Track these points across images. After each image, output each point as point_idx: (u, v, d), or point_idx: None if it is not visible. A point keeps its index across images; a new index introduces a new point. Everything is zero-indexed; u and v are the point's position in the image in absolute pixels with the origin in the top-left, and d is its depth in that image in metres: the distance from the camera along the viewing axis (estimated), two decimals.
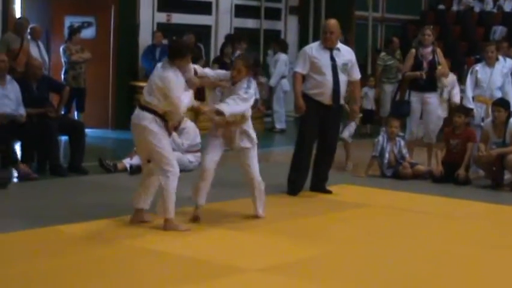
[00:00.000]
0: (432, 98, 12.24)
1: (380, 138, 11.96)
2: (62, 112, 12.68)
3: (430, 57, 12.15)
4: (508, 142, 11.20)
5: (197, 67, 8.69)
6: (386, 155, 11.80)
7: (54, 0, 16.46)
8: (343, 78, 10.04)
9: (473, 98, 12.39)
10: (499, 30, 20.09)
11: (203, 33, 18.20)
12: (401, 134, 12.37)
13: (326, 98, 10.00)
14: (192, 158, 11.95)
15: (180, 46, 8.51)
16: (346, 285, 6.67)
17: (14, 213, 8.80)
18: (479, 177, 11.74)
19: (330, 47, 10.03)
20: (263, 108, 17.38)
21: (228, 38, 17.78)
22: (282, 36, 19.62)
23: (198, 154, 12.00)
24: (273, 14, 20.01)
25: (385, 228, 8.90)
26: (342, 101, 10.23)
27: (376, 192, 10.87)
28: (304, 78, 10.12)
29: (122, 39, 17.11)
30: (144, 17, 17.36)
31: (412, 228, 8.92)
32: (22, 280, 6.43)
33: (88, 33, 16.76)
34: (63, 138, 12.28)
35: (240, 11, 19.21)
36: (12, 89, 11.22)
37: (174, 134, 11.75)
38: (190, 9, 18.21)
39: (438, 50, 12.29)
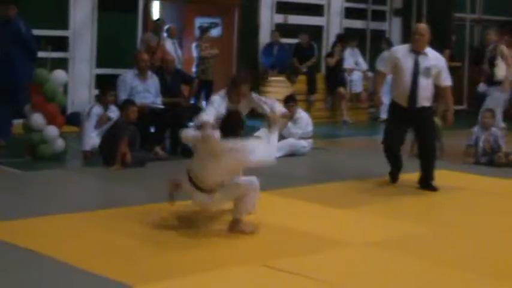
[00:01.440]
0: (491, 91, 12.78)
1: (475, 128, 11.74)
2: (192, 101, 12.87)
3: (490, 55, 12.84)
4: None
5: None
6: (481, 144, 11.57)
7: (186, 4, 16.69)
8: (424, 83, 9.19)
9: None
10: None
11: (316, 32, 18.16)
12: (502, 125, 12.14)
13: (403, 100, 9.27)
14: (305, 143, 12.00)
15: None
16: (449, 262, 6.46)
17: (149, 188, 8.94)
18: None
19: (417, 50, 9.24)
20: (366, 99, 17.32)
21: (339, 37, 17.73)
22: (387, 36, 19.42)
23: (310, 140, 12.08)
24: (379, 16, 19.83)
25: (484, 211, 8.55)
26: (424, 104, 9.24)
27: (472, 177, 10.53)
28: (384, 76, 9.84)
29: (244, 38, 17.22)
30: (263, 18, 17.43)
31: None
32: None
33: (215, 32, 16.95)
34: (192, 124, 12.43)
35: (349, 13, 19.10)
36: (153, 83, 11.52)
37: (289, 123, 11.84)
38: (305, 11, 18.19)
39: (499, 48, 12.72)
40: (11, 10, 11.45)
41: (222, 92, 8.41)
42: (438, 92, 9.62)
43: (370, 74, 17.63)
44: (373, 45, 19.14)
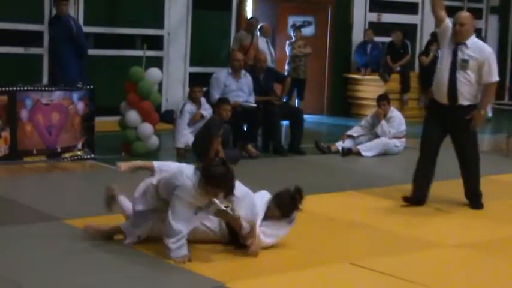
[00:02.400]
0: None
1: None
2: (284, 100, 12.88)
3: None
4: None
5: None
6: None
7: (279, 3, 16.70)
8: (463, 77, 7.96)
9: None
10: None
11: (409, 31, 17.96)
12: None
13: (442, 97, 8.08)
14: (398, 143, 11.89)
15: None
16: None
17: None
18: None
19: (457, 41, 8.00)
20: None
21: (434, 35, 17.47)
22: (483, 34, 19.06)
23: (403, 140, 11.96)
24: (475, 13, 19.47)
25: None
26: (465, 102, 8.00)
27: None
28: None
29: (337, 36, 17.17)
30: (357, 16, 17.34)
31: None
32: None
33: (308, 31, 16.91)
34: (285, 123, 12.43)
35: (446, 11, 18.78)
36: (246, 82, 11.55)
37: (383, 121, 11.74)
38: (398, 9, 18.02)
39: None
40: (62, 7, 11.62)
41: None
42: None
43: None
44: None
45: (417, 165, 8.32)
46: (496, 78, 8.05)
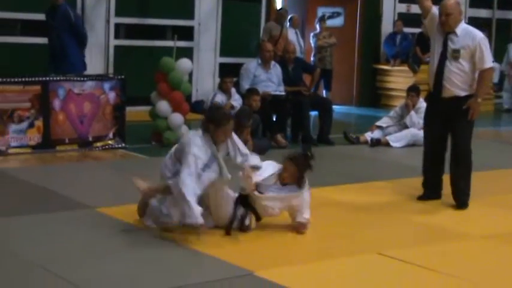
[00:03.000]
0: None
1: None
2: (312, 90, 12.89)
3: None
4: None
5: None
6: None
7: None
8: (453, 66, 7.52)
9: None
10: None
11: None
12: None
13: (432, 86, 7.76)
14: None
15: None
16: None
17: None
18: None
19: (446, 31, 7.56)
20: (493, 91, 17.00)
21: None
22: None
23: None
24: (505, 4, 19.34)
25: None
26: (457, 93, 7.54)
27: None
28: None
29: (366, 27, 17.14)
30: (386, 7, 17.29)
31: None
32: None
33: (337, 21, 16.91)
34: (313, 113, 12.43)
35: (474, 1, 18.71)
36: (275, 73, 11.60)
37: (412, 112, 11.71)
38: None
39: None
40: None
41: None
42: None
43: (495, 65, 17.25)
44: (499, 35, 18.68)
45: (423, 162, 7.99)
46: (489, 64, 7.61)
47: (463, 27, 7.64)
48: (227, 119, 6.45)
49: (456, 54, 7.55)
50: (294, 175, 6.50)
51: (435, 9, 7.70)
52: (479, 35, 7.63)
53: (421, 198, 7.95)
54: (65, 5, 11.26)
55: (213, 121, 6.38)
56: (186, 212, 6.02)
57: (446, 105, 7.63)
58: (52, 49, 11.29)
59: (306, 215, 6.53)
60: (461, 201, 7.73)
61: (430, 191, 7.94)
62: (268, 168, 6.64)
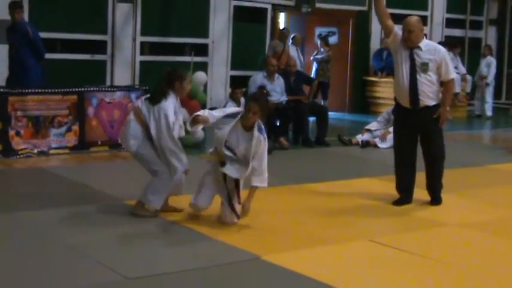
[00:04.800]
0: None
1: None
2: (311, 99, 12.87)
3: None
4: None
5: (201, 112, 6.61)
6: None
7: (308, 16, 16.66)
8: (425, 79, 7.17)
9: None
10: None
11: None
12: None
13: (405, 101, 7.27)
14: None
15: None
16: None
17: (275, 172, 8.98)
18: None
19: (409, 46, 7.21)
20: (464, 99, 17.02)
21: (440, 44, 17.35)
22: (483, 44, 18.87)
23: None
24: (476, 25, 19.31)
25: None
26: (431, 102, 7.24)
27: None
28: None
29: (357, 44, 17.09)
30: (374, 27, 17.21)
31: None
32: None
33: (332, 39, 16.86)
34: (312, 119, 12.42)
35: (449, 22, 18.67)
36: (279, 84, 11.57)
37: None
38: None
39: None
40: (17, 14, 10.72)
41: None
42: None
43: (468, 77, 17.30)
44: (471, 51, 18.67)
45: (397, 170, 7.54)
46: (453, 75, 7.40)
47: (425, 42, 7.35)
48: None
49: (425, 67, 7.21)
50: (258, 112, 6.25)
51: (397, 29, 7.37)
52: (442, 49, 7.37)
53: (398, 203, 7.47)
54: (24, 22, 10.93)
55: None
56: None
57: (419, 115, 7.26)
58: (12, 63, 10.88)
59: (263, 183, 6.35)
60: (436, 197, 7.53)
61: (406, 195, 7.52)
62: (226, 110, 6.56)
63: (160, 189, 6.47)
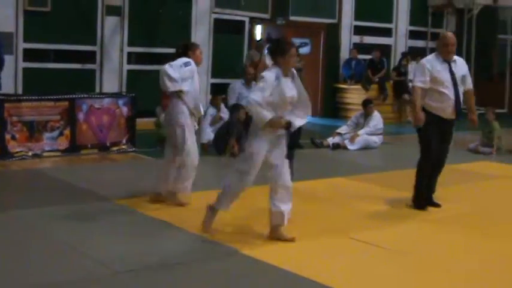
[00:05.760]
0: None
1: None
2: None
3: None
4: None
5: None
6: None
7: (282, 27, 16.68)
8: (461, 91, 7.12)
9: None
10: None
11: (385, 50, 17.95)
12: None
13: (448, 112, 7.04)
14: (376, 139, 11.92)
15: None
16: (494, 234, 6.40)
17: None
18: None
19: (448, 60, 7.08)
20: None
21: (404, 54, 17.52)
22: None
23: (381, 136, 11.97)
24: (436, 37, 19.41)
25: None
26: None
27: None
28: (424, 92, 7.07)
29: (328, 54, 17.15)
30: (344, 38, 17.31)
31: None
32: None
33: (305, 50, 16.90)
34: None
35: (413, 34, 18.79)
36: None
37: (365, 121, 11.73)
38: (377, 33, 17.97)
39: None
40: None
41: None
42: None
43: None
44: None
45: (422, 175, 7.24)
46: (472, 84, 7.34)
47: (455, 57, 7.20)
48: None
49: (464, 79, 7.15)
50: (296, 52, 6.12)
51: (425, 85, 7.04)
52: (464, 60, 7.32)
53: (421, 206, 7.27)
54: None
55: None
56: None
57: (450, 126, 7.19)
58: None
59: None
60: (435, 201, 7.40)
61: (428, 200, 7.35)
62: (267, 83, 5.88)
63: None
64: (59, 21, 12.64)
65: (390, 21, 18.25)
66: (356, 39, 17.58)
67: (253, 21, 15.59)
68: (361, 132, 11.76)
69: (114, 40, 13.39)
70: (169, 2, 14.30)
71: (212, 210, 5.97)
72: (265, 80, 5.77)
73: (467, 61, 18.45)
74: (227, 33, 15.17)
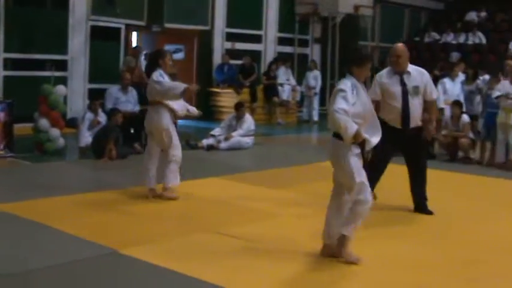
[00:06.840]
0: None
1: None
2: None
3: None
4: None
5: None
6: None
7: (157, 34, 16.66)
8: (415, 102, 6.93)
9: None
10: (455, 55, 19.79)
11: (256, 55, 18.27)
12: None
13: (397, 123, 6.94)
14: (248, 140, 12.10)
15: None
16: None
17: (130, 174, 8.96)
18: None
19: (399, 71, 6.96)
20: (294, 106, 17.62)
21: (273, 59, 17.92)
22: (309, 59, 19.57)
23: (252, 137, 12.18)
24: (303, 43, 20.01)
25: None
26: (418, 123, 7.04)
27: None
28: (378, 104, 6.86)
29: (201, 59, 17.27)
30: (216, 44, 17.48)
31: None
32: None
33: (180, 55, 16.96)
34: None
35: (281, 40, 19.23)
36: (132, 95, 11.53)
37: (237, 123, 11.90)
38: (248, 39, 18.26)
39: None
40: None
41: None
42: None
43: (298, 87, 17.89)
44: (299, 65, 19.32)
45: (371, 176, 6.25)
46: (435, 95, 7.24)
47: (411, 67, 7.03)
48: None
49: (417, 90, 6.95)
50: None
51: (376, 97, 6.91)
52: (424, 71, 7.09)
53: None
54: None
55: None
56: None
57: (409, 136, 6.99)
58: None
59: None
60: (423, 204, 7.20)
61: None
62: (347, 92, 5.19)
63: None
64: None
65: (260, 29, 18.60)
66: (228, 45, 17.80)
67: (129, 28, 15.47)
68: (234, 134, 11.95)
69: None
70: (45, 8, 13.97)
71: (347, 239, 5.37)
72: (345, 90, 5.12)
73: (332, 65, 19.30)
74: (104, 40, 14.98)
